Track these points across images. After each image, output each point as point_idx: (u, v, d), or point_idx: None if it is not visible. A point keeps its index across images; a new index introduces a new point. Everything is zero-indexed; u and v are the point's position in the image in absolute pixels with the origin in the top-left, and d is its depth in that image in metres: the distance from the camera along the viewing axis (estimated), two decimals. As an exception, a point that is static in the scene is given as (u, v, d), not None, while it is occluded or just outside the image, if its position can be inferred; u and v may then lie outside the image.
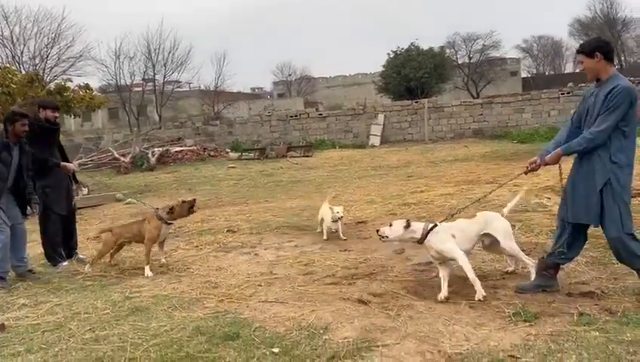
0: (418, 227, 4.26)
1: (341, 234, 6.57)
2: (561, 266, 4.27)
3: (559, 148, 4.09)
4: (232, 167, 17.29)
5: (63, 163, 6.02)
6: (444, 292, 4.18)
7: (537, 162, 4.18)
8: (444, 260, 4.28)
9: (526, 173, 4.31)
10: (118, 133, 26.85)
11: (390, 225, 4.28)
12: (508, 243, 4.32)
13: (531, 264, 4.30)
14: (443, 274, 4.28)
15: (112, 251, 5.82)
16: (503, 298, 4.08)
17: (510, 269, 4.67)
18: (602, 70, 3.93)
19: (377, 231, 4.33)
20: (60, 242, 5.98)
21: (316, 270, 5.23)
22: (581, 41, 3.85)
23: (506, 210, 4.67)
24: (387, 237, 4.24)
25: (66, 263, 5.83)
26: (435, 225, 4.28)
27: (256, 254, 6.05)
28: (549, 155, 4.11)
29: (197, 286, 4.83)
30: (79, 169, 6.70)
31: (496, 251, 4.59)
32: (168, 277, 5.21)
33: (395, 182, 11.60)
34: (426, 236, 4.22)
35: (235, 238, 6.89)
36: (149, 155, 19.43)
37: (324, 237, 6.54)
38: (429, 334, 3.50)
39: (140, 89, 39.73)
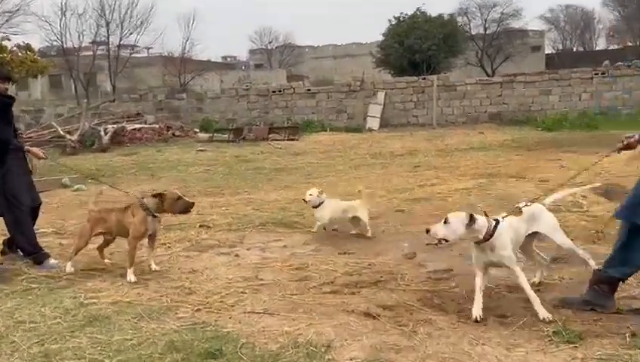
0: (482, 224, 3.99)
1: (314, 227, 6.77)
2: (622, 282, 4.17)
3: None
4: (202, 150, 17.14)
5: (30, 148, 5.84)
6: (477, 310, 4.02)
7: (636, 138, 4.16)
8: (494, 267, 4.20)
9: (619, 150, 4.26)
10: (63, 105, 26.46)
11: (445, 222, 3.95)
12: (562, 238, 4.36)
13: (588, 256, 4.39)
14: (480, 283, 4.17)
15: (98, 247, 5.70)
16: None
17: (536, 280, 4.60)
18: None
19: (427, 231, 3.97)
20: (35, 235, 5.80)
21: (311, 275, 5.18)
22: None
23: (548, 200, 4.61)
24: (445, 240, 3.94)
25: (55, 261, 5.65)
26: (498, 222, 4.08)
27: (236, 255, 5.98)
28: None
29: (167, 293, 4.75)
30: (48, 157, 6.47)
31: (528, 251, 4.58)
32: (132, 281, 5.09)
33: (399, 173, 11.59)
34: (492, 235, 4.02)
35: (210, 235, 6.81)
36: (101, 133, 19.20)
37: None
38: (453, 356, 3.46)
39: (90, 53, 39.20)
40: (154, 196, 5.26)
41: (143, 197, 5.39)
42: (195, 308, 4.36)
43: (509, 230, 4.16)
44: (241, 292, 4.74)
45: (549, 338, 3.65)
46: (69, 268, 5.40)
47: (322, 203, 6.69)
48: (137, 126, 20.93)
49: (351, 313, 4.20)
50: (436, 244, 4.01)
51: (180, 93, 26.62)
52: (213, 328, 3.96)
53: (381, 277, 5.08)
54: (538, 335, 3.71)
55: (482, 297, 4.10)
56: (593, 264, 4.32)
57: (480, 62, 47.39)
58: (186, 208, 5.29)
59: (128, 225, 5.28)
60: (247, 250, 6.20)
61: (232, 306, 4.42)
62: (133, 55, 42.98)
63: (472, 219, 3.93)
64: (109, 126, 20.20)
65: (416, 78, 24.30)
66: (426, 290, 4.67)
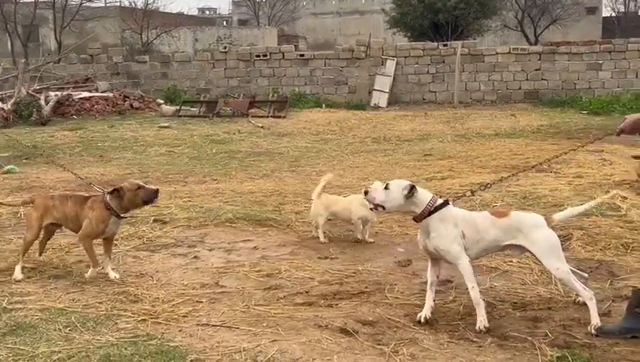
0: (423, 198, 4.46)
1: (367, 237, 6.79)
2: None
3: None
4: (166, 127, 17.28)
5: None
6: (425, 311, 4.52)
7: (627, 122, 4.42)
8: (436, 257, 4.57)
9: (619, 133, 4.47)
10: (-5, 65, 26.50)
11: (386, 188, 4.43)
12: (552, 263, 4.45)
13: (588, 296, 4.44)
14: (431, 278, 4.61)
15: (40, 240, 5.86)
16: (545, 335, 4.30)
17: (580, 300, 4.72)
18: None
19: (366, 192, 4.48)
20: None
21: (283, 284, 5.39)
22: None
23: (561, 215, 4.83)
24: (382, 206, 4.46)
25: None
26: (446, 203, 4.50)
27: (195, 257, 6.20)
28: (627, 119, 4.38)
29: (107, 299, 4.96)
30: None
31: None
32: (66, 284, 5.32)
33: (405, 161, 11.81)
34: (429, 214, 4.44)
35: (165, 232, 7.02)
36: (42, 102, 19.27)
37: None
38: (437, 381, 3.69)
39: (31, 0, 39.09)
40: (110, 193, 5.38)
41: (105, 192, 5.48)
42: (140, 318, 4.57)
43: (466, 223, 4.49)
44: (197, 301, 4.95)
45: (552, 364, 3.89)
46: (18, 273, 5.47)
47: None
48: (87, 94, 21.01)
49: (324, 328, 4.42)
50: (372, 209, 4.56)
51: (142, 55, 26.68)
52: (159, 342, 4.18)
53: (366, 287, 5.29)
54: (541, 360, 3.94)
55: (433, 295, 4.60)
56: (594, 310, 4.38)
57: (520, 25, 47.36)
58: (150, 198, 5.44)
59: (84, 221, 5.44)
60: (209, 251, 6.41)
61: (184, 317, 4.63)
62: (85, 4, 42.82)
63: (412, 190, 4.38)
64: (52, 93, 20.24)
65: (435, 44, 24.41)
66: (416, 304, 4.87)
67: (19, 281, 5.40)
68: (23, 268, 5.55)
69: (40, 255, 5.91)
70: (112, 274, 5.50)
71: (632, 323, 4.30)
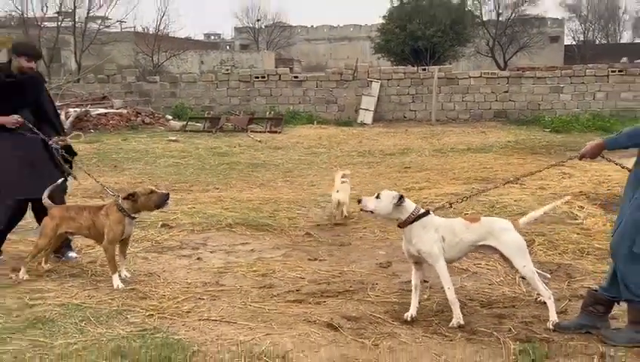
0: (409, 208, 4.54)
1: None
2: (619, 303, 4.37)
3: (602, 138, 4.37)
4: (174, 140, 17.28)
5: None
6: (412, 311, 4.57)
7: (587, 148, 4.41)
8: (420, 261, 4.62)
9: (581, 157, 4.47)
10: (21, 83, 26.46)
11: (377, 197, 4.51)
12: (519, 261, 4.52)
13: (548, 296, 4.50)
14: (415, 282, 4.65)
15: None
16: (509, 330, 4.34)
17: (540, 299, 4.74)
18: None
19: (359, 201, 4.58)
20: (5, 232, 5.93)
21: (276, 283, 5.44)
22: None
23: (525, 220, 4.90)
24: (372, 211, 4.54)
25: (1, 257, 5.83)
26: (427, 213, 4.57)
27: (198, 258, 6.23)
28: (587, 146, 4.39)
29: (119, 296, 4.98)
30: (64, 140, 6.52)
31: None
32: (82, 283, 5.33)
33: (387, 173, 11.87)
34: (413, 221, 4.50)
35: (172, 236, 7.04)
36: (62, 118, 19.27)
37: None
38: (412, 371, 3.72)
39: (54, 25, 39.13)
40: (125, 198, 5.36)
41: (119, 196, 5.47)
42: (147, 314, 4.59)
43: (444, 228, 4.56)
44: (199, 298, 4.98)
45: (515, 357, 3.92)
46: (22, 273, 5.43)
47: None
48: (103, 111, 21.02)
49: (312, 323, 4.46)
50: (366, 214, 4.71)
51: (153, 76, 26.71)
52: (164, 335, 4.20)
53: (350, 286, 5.34)
54: (503, 353, 3.98)
55: (418, 297, 4.64)
56: (552, 308, 4.45)
57: (491, 52, 47.74)
58: (162, 201, 5.41)
59: (102, 228, 5.39)
60: (211, 252, 6.45)
61: (188, 312, 4.66)
62: (103, 29, 42.84)
63: (401, 199, 4.48)
64: (72, 109, 20.27)
65: (415, 68, 24.54)
66: (395, 302, 4.94)
67: (22, 281, 5.34)
68: (28, 269, 5.50)
69: (46, 263, 5.74)
70: (124, 273, 5.49)
71: (586, 320, 4.37)
